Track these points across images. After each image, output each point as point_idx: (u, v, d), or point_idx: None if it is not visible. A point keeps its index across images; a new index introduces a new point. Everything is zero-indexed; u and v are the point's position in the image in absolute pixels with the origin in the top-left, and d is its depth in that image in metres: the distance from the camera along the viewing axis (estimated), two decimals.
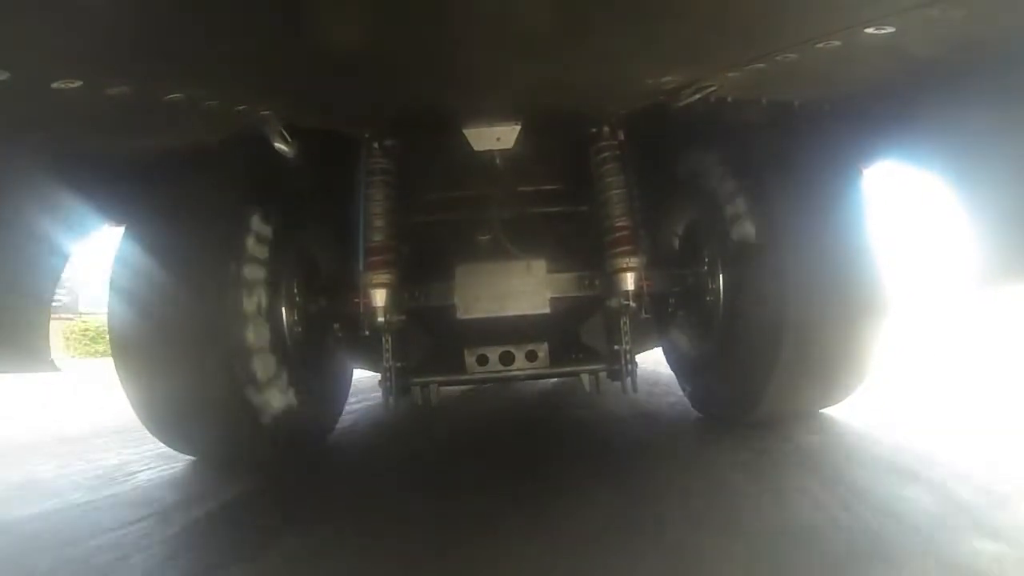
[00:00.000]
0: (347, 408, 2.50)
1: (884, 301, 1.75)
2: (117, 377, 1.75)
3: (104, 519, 1.43)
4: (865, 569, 0.94)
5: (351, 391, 2.57)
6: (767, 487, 1.41)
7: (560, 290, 1.94)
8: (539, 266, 1.94)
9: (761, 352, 1.75)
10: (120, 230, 1.82)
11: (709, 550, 1.05)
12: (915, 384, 2.69)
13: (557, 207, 2.17)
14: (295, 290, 1.96)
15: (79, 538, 1.30)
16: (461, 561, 1.10)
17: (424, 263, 2.08)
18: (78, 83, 1.11)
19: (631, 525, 1.21)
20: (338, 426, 2.32)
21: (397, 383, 1.87)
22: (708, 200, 1.98)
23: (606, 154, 1.91)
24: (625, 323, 1.85)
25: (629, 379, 1.85)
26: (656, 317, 2.14)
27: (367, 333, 1.85)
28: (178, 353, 1.65)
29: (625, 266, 1.82)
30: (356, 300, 1.85)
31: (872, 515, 1.14)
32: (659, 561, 1.02)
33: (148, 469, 1.95)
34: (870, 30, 1.15)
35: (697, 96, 1.58)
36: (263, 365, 1.76)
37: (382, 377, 1.86)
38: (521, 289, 1.92)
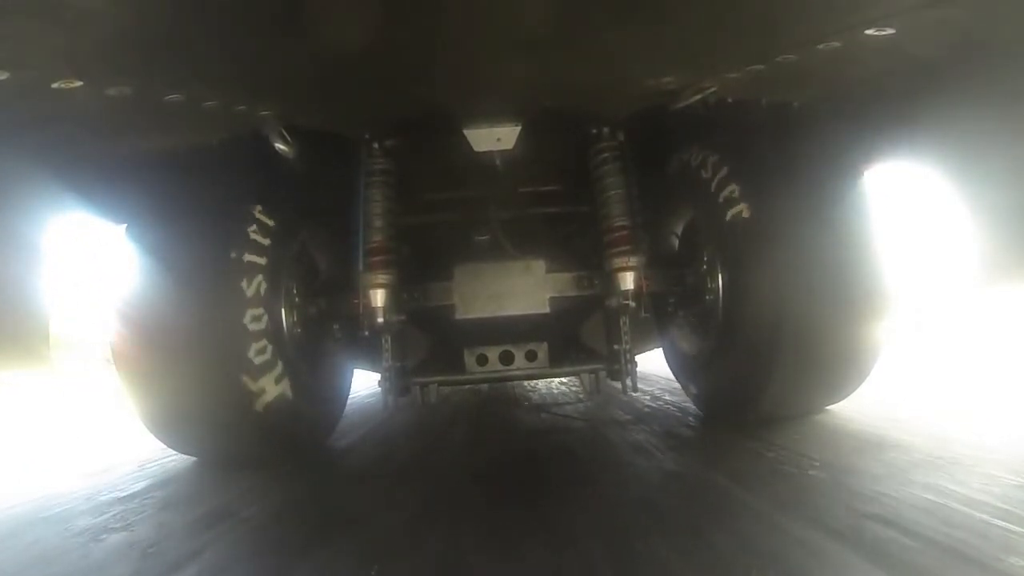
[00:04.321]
0: None
1: (885, 300, 1.75)
2: (117, 377, 1.75)
3: None
4: None
5: None
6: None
7: (559, 290, 1.94)
8: (538, 266, 1.94)
9: (761, 350, 1.75)
10: (120, 230, 1.82)
11: None
12: (917, 381, 2.67)
13: (557, 207, 2.17)
14: (295, 290, 1.96)
15: None
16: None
17: (424, 263, 2.08)
18: (78, 83, 1.11)
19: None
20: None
21: (397, 383, 1.87)
22: (708, 200, 1.98)
23: (606, 155, 1.91)
24: (625, 323, 1.85)
25: (629, 379, 1.85)
26: (656, 317, 2.14)
27: (367, 333, 1.85)
28: (178, 353, 1.65)
29: (624, 265, 1.82)
30: (356, 300, 1.85)
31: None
32: None
33: None
34: (870, 31, 1.15)
35: (697, 97, 1.58)
36: (263, 365, 1.76)
37: (382, 377, 1.86)
38: (520, 289, 1.93)
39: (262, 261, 1.77)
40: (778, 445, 1.66)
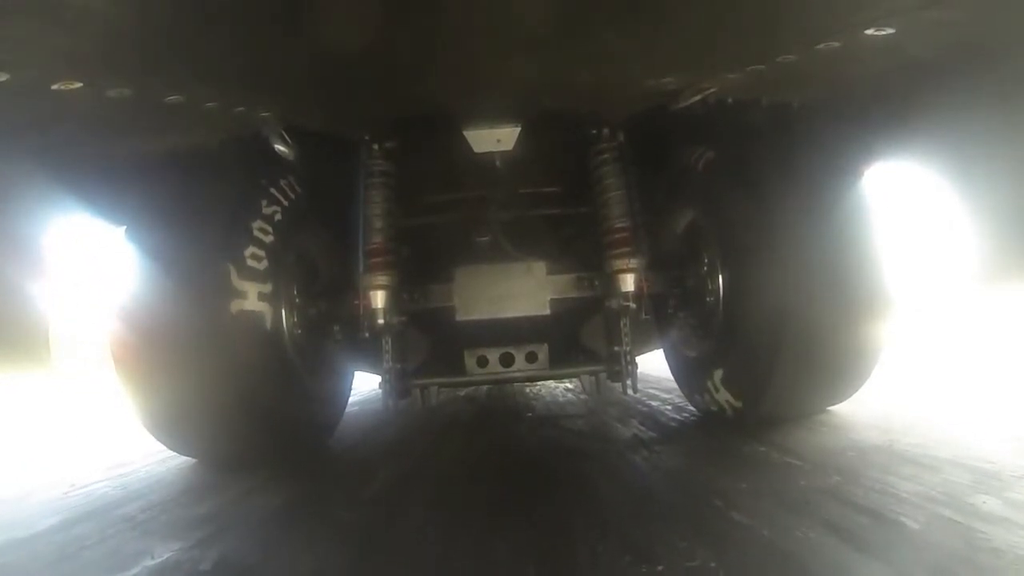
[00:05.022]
0: None
1: (885, 300, 1.75)
2: (116, 379, 1.75)
3: None
4: None
5: None
6: None
7: (560, 291, 1.94)
8: (539, 267, 1.94)
9: (762, 352, 1.75)
10: (120, 230, 1.82)
11: None
12: (918, 382, 2.65)
13: (557, 209, 2.17)
14: (295, 292, 1.96)
15: None
16: None
17: (424, 265, 2.07)
18: (78, 85, 1.12)
19: None
20: None
21: (397, 385, 1.86)
22: (708, 201, 1.98)
23: (606, 155, 1.91)
24: (625, 324, 1.85)
25: (629, 380, 1.85)
26: (656, 318, 2.13)
27: (367, 335, 1.85)
28: (178, 355, 1.65)
29: (625, 267, 1.82)
30: (356, 302, 1.84)
31: None
32: None
33: None
34: (870, 31, 1.15)
35: (697, 97, 1.58)
36: (263, 367, 1.76)
37: (382, 379, 1.86)
38: (521, 290, 1.92)
39: (263, 260, 1.77)
40: (872, 478, 1.32)
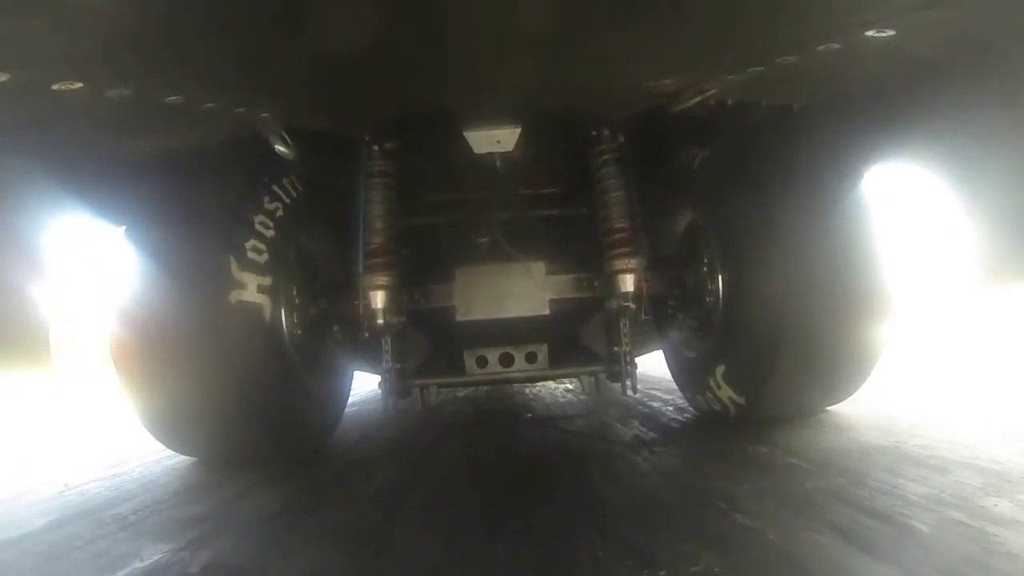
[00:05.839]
0: None
1: (885, 300, 1.75)
2: (115, 377, 1.75)
3: None
4: None
5: None
6: None
7: (559, 292, 1.94)
8: (538, 268, 1.94)
9: (761, 352, 1.75)
10: (120, 230, 1.82)
11: None
12: (920, 382, 2.64)
13: (557, 209, 2.17)
14: (295, 292, 1.96)
15: None
16: None
17: (424, 265, 2.08)
18: (78, 85, 1.12)
19: None
20: None
21: (397, 385, 1.87)
22: (707, 202, 1.98)
23: (606, 156, 1.91)
24: (625, 325, 1.85)
25: (628, 381, 1.85)
26: (656, 319, 2.13)
27: (367, 335, 1.85)
28: (178, 355, 1.65)
29: (624, 267, 1.82)
30: (356, 302, 1.85)
31: None
32: None
33: None
34: (870, 33, 1.15)
35: (697, 99, 1.58)
36: (263, 367, 1.76)
37: (382, 379, 1.86)
38: (520, 291, 1.93)
39: (263, 260, 1.77)
40: (879, 480, 1.27)
